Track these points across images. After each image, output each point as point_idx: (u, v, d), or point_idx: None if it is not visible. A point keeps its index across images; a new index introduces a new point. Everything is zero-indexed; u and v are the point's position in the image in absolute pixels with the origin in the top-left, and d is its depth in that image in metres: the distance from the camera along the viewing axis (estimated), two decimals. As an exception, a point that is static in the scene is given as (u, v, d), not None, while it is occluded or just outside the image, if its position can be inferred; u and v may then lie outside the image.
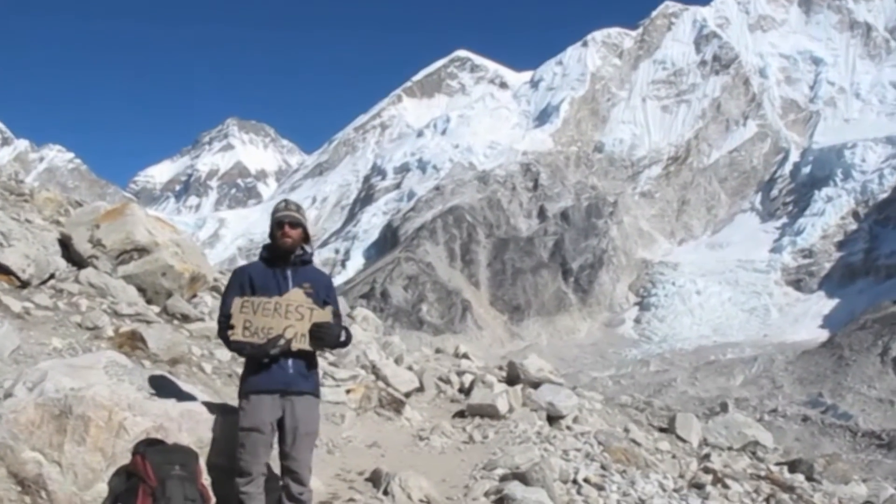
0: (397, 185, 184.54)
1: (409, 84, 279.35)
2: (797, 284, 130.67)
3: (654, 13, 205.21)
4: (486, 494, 8.16)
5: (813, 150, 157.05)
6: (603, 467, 9.85)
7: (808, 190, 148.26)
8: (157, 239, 11.33)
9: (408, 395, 12.26)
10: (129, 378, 5.89)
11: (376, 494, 7.69)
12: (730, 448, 14.56)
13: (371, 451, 9.34)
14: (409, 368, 13.51)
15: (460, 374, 14.46)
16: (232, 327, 5.34)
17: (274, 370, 5.35)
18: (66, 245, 11.20)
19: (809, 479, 12.78)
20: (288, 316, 5.35)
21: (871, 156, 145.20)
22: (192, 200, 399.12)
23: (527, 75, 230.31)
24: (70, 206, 14.72)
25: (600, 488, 9.04)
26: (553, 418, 12.41)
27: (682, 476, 10.82)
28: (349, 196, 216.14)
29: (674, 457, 12.13)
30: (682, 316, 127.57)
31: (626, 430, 12.88)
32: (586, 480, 9.15)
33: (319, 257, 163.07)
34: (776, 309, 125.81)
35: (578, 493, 8.83)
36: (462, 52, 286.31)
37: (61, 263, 10.75)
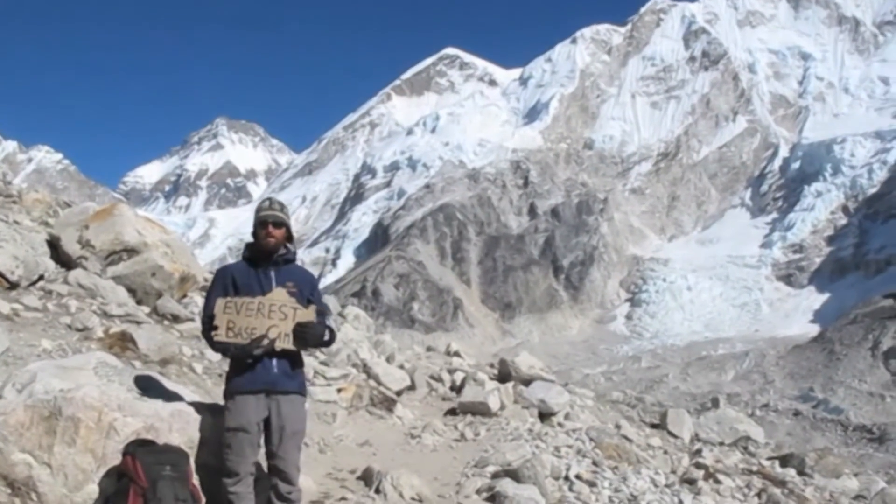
0: (387, 184, 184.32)
1: (398, 82, 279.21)
2: (788, 279, 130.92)
3: (642, 9, 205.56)
4: (478, 492, 8.16)
5: (802, 146, 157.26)
6: (595, 464, 9.86)
7: (798, 185, 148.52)
8: (146, 239, 11.31)
9: (399, 393, 12.25)
10: (119, 379, 5.87)
11: (368, 493, 7.68)
12: (721, 443, 14.59)
13: (363, 450, 9.33)
14: (401, 367, 13.50)
15: (452, 372, 14.46)
16: (215, 328, 5.33)
17: (258, 370, 5.34)
18: (55, 246, 11.17)
19: (801, 473, 12.81)
20: (271, 316, 5.34)
21: (861, 150, 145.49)
22: (182, 200, 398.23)
23: (516, 73, 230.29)
24: (59, 207, 14.68)
25: (592, 484, 9.04)
26: (544, 415, 12.43)
27: (673, 472, 10.84)
28: (339, 195, 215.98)
29: (665, 452, 12.15)
30: (674, 312, 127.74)
31: (618, 427, 12.90)
32: (578, 477, 9.15)
33: (310, 256, 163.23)
34: (767, 304, 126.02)
35: (570, 489, 8.83)
36: (451, 50, 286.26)
37: (50, 265, 10.72)
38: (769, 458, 13.79)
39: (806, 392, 77.97)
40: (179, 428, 5.66)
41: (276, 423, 5.38)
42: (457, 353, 17.34)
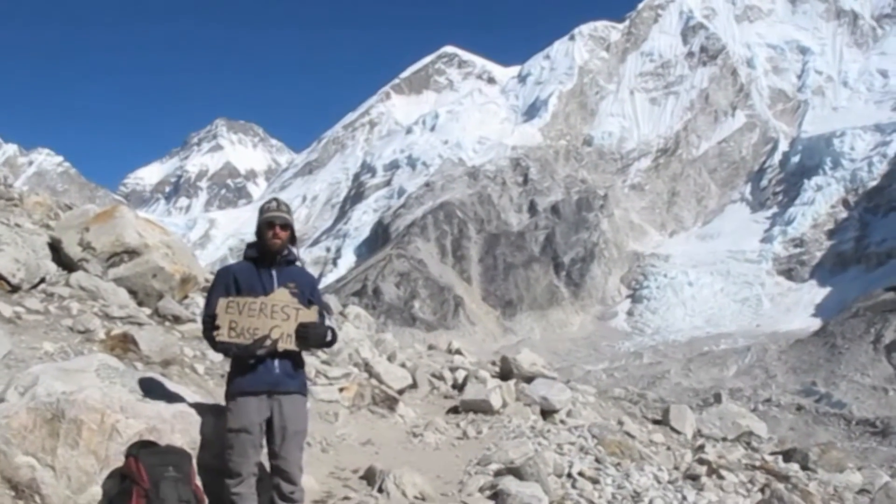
0: (387, 183, 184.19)
1: (397, 81, 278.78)
2: (789, 274, 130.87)
3: (640, 5, 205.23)
4: (481, 490, 8.16)
5: (802, 140, 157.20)
6: (597, 460, 9.85)
7: (798, 179, 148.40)
8: (147, 241, 11.32)
9: (401, 392, 12.25)
10: (122, 380, 5.88)
11: (371, 492, 7.69)
12: (724, 439, 14.58)
13: (365, 449, 9.34)
14: (402, 365, 13.50)
15: (453, 370, 14.44)
16: (217, 327, 5.33)
17: (260, 371, 5.35)
18: (56, 248, 11.18)
19: (804, 468, 12.79)
20: (274, 316, 5.34)
21: (860, 144, 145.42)
22: (183, 201, 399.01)
23: (514, 70, 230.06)
24: (60, 209, 14.70)
25: (595, 481, 9.03)
26: (547, 412, 12.42)
27: (676, 468, 10.83)
28: (339, 194, 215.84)
29: (668, 448, 12.14)
30: (675, 307, 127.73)
31: (620, 423, 12.89)
32: (581, 474, 9.14)
33: (311, 256, 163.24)
34: (768, 299, 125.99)
35: (573, 486, 8.82)
36: (449, 48, 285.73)
37: (51, 267, 10.73)
38: (772, 454, 13.77)
39: (808, 386, 77.96)
40: (182, 429, 5.67)
41: (278, 423, 5.39)
42: (458, 351, 17.35)
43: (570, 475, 9.11)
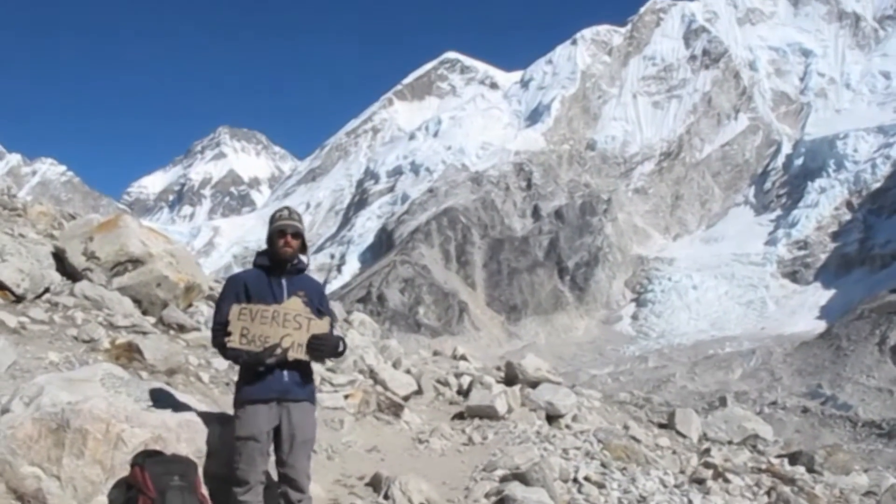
0: (391, 189, 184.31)
1: (399, 87, 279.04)
2: (793, 276, 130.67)
3: (642, 9, 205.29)
4: (487, 496, 8.16)
5: (805, 142, 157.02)
6: (603, 465, 9.85)
7: (802, 181, 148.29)
8: (150, 250, 11.33)
9: (406, 398, 12.25)
10: (126, 390, 5.89)
11: (377, 499, 7.69)
12: (730, 442, 14.59)
13: (371, 456, 9.33)
14: (407, 372, 13.50)
15: (458, 375, 14.43)
16: (229, 334, 5.33)
17: (269, 379, 5.34)
18: (60, 258, 11.20)
19: (810, 470, 12.80)
20: (286, 325, 5.34)
21: (864, 145, 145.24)
22: (186, 210, 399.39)
23: (517, 75, 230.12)
24: (63, 219, 14.71)
25: (601, 486, 9.04)
26: (552, 417, 12.42)
27: (682, 472, 10.84)
28: (343, 201, 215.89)
29: (674, 452, 12.15)
30: (679, 311, 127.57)
31: (626, 428, 12.90)
32: (587, 479, 9.15)
33: (315, 263, 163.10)
34: (773, 301, 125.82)
35: (579, 491, 8.83)
36: (451, 54, 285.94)
37: (56, 277, 10.74)
38: (778, 456, 13.78)
39: (814, 389, 77.76)
40: (187, 438, 5.67)
41: (286, 431, 5.39)
42: (463, 357, 17.33)
43: (575, 480, 9.11)
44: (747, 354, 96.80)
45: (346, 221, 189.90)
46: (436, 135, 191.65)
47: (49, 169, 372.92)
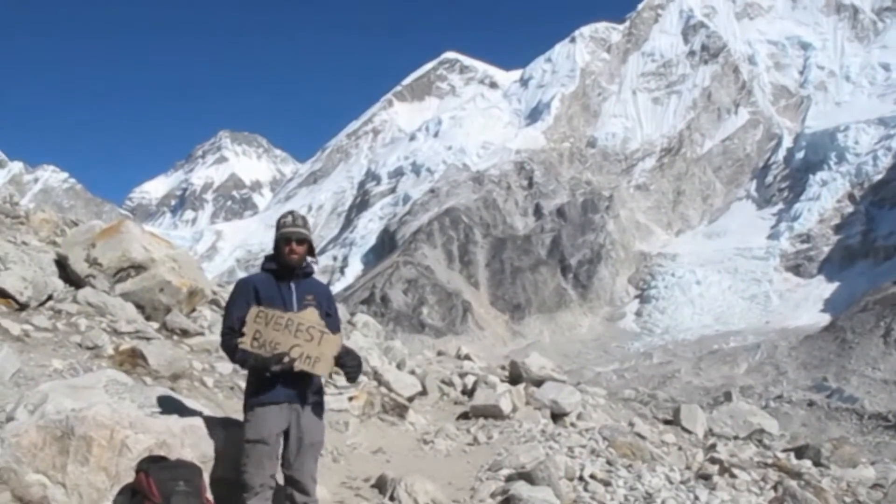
0: (392, 190, 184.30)
1: (399, 88, 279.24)
2: (796, 270, 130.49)
3: (640, 6, 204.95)
4: (493, 495, 8.16)
5: (806, 135, 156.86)
6: (609, 463, 9.85)
7: (803, 175, 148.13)
8: (153, 255, 11.33)
9: (411, 399, 12.24)
10: (130, 396, 5.89)
11: (383, 500, 7.70)
12: (735, 437, 14.57)
13: (376, 457, 9.33)
14: (412, 372, 13.50)
15: (463, 375, 14.43)
16: (243, 334, 5.33)
17: (280, 383, 5.35)
18: (62, 265, 11.21)
19: (817, 464, 12.78)
20: (297, 335, 5.33)
21: (864, 138, 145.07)
22: (189, 214, 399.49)
23: (516, 74, 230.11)
24: (66, 226, 14.73)
25: (607, 484, 9.03)
26: (557, 416, 12.42)
27: (688, 468, 10.82)
28: (345, 203, 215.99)
29: (680, 449, 12.14)
30: (683, 306, 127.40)
31: (631, 425, 12.88)
32: (592, 477, 9.14)
33: (318, 265, 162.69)
34: (777, 295, 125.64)
35: (585, 489, 8.82)
36: (450, 54, 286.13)
37: (59, 284, 10.76)
38: (784, 451, 13.76)
39: (819, 382, 77.68)
40: (192, 443, 5.67)
41: (294, 433, 5.40)
42: (467, 357, 17.33)
43: (581, 478, 9.11)
44: (752, 349, 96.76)
45: (349, 223, 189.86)
46: (436, 135, 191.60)
47: (51, 176, 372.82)
